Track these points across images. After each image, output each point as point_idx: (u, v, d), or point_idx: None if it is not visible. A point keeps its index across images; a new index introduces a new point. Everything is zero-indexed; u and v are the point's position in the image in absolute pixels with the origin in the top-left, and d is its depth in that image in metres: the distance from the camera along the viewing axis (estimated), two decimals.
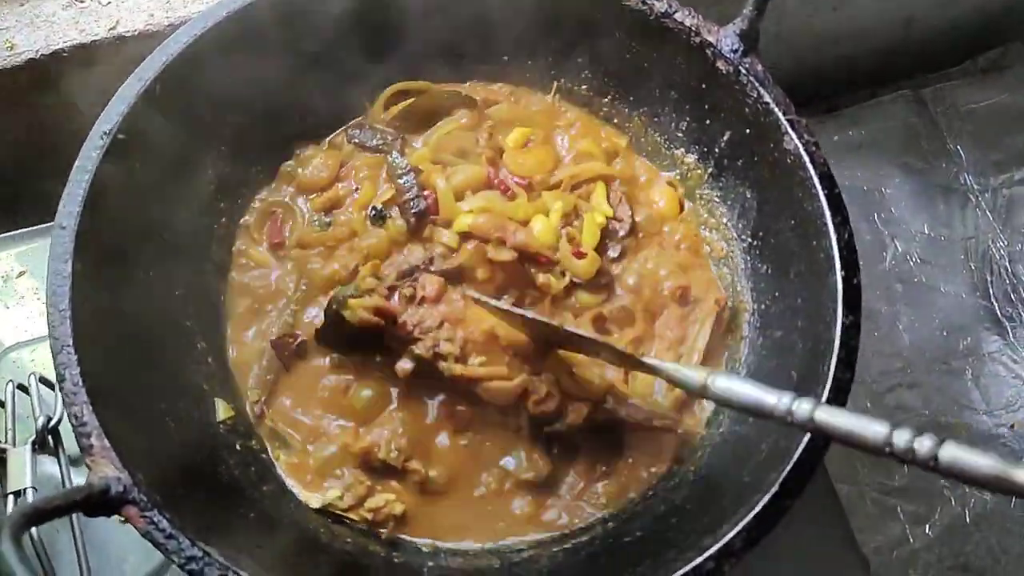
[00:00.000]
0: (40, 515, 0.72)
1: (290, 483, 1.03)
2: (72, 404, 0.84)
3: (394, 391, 1.07)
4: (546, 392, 1.01)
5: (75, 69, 1.34)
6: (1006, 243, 1.52)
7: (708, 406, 1.08)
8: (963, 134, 1.61)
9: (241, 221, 1.17)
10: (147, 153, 1.01)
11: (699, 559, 0.82)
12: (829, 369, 0.90)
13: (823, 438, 0.87)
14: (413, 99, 1.23)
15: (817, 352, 0.94)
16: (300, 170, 1.19)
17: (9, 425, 1.11)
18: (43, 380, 1.14)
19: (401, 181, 1.12)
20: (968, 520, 1.34)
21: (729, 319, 1.12)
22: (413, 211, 1.11)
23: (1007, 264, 1.50)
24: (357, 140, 1.21)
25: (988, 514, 1.34)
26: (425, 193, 1.12)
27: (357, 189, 1.17)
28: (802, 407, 0.76)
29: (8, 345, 1.23)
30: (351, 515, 1.01)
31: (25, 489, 1.05)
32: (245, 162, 1.16)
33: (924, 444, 0.69)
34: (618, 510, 1.02)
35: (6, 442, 1.10)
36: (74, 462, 1.11)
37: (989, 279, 1.50)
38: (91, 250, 0.93)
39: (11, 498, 1.05)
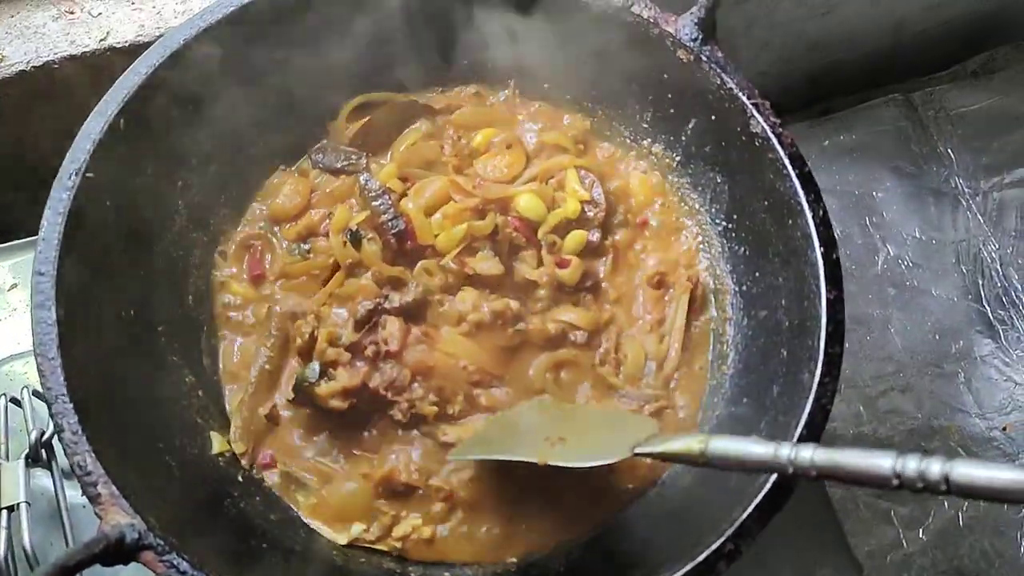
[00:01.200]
0: (65, 572, 0.71)
1: (314, 524, 1.02)
2: (75, 454, 0.83)
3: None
4: None
5: (66, 81, 1.32)
6: (997, 246, 1.54)
7: (698, 382, 1.11)
8: (953, 137, 1.62)
9: (217, 251, 1.15)
10: (117, 189, 0.99)
11: (717, 543, 0.84)
12: (819, 344, 0.92)
13: (822, 413, 0.89)
14: (371, 114, 1.22)
15: (804, 329, 0.96)
16: (271, 200, 1.18)
17: (2, 439, 1.10)
18: (36, 393, 1.13)
19: (376, 204, 1.11)
20: (961, 524, 1.36)
21: (703, 295, 1.14)
22: (392, 232, 1.10)
23: (998, 267, 1.52)
24: (323, 164, 1.20)
25: (982, 517, 1.36)
26: (402, 214, 1.11)
27: (330, 215, 1.16)
28: (801, 454, 0.73)
29: (1, 358, 1.22)
30: (380, 546, 1.00)
31: (19, 504, 1.04)
32: (214, 191, 1.14)
33: (933, 468, 0.65)
34: (627, 503, 1.03)
35: (0, 456, 1.09)
36: (67, 475, 1.11)
37: (981, 282, 1.52)
38: (71, 293, 0.91)
39: (4, 512, 1.04)
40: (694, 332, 1.13)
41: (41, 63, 1.31)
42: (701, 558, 0.83)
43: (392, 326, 1.05)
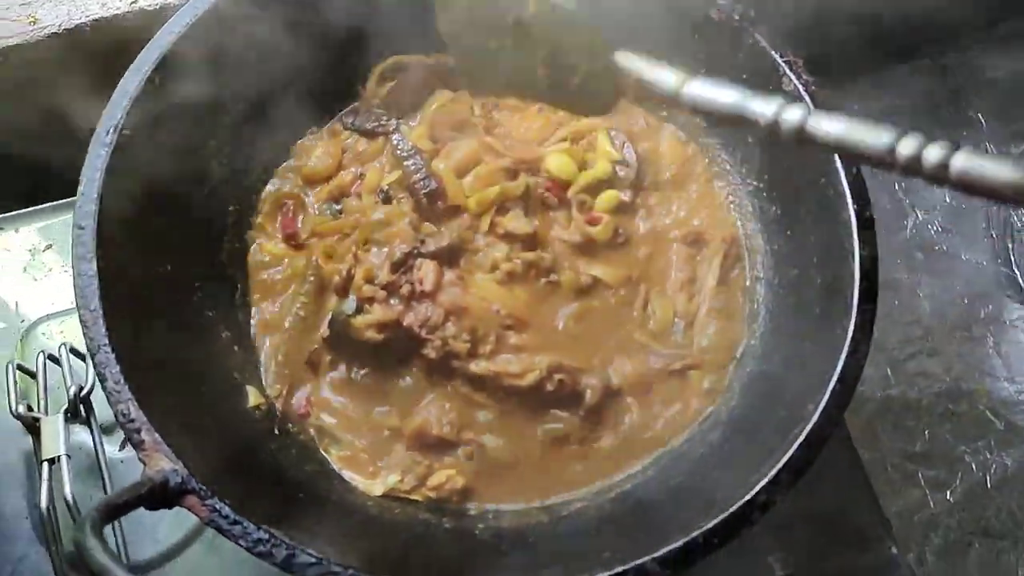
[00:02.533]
0: (113, 510, 0.73)
1: (348, 475, 1.04)
2: (118, 402, 0.84)
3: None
4: (559, 380, 1.03)
5: (96, 43, 1.33)
6: None
7: (728, 340, 1.10)
8: (984, 103, 1.61)
9: (250, 210, 1.16)
10: (153, 146, 1.00)
11: (750, 494, 0.84)
12: (852, 301, 0.93)
13: (856, 364, 0.89)
14: (401, 76, 1.22)
15: (837, 286, 0.96)
16: (302, 162, 1.18)
17: (41, 395, 1.13)
18: (73, 351, 1.15)
19: (408, 164, 1.12)
20: (989, 485, 1.37)
21: (736, 256, 1.13)
22: (424, 192, 1.11)
23: None
24: (354, 126, 1.21)
25: (1009, 479, 1.37)
26: (433, 174, 1.12)
27: (362, 175, 1.17)
28: (792, 114, 0.67)
29: (37, 317, 1.24)
30: (415, 496, 1.02)
31: (59, 456, 1.07)
32: (247, 150, 1.15)
33: (933, 152, 0.60)
34: (657, 457, 1.04)
35: (39, 411, 1.12)
36: (106, 431, 1.14)
37: (1011, 247, 1.52)
38: (110, 247, 0.92)
39: (46, 465, 1.07)
40: (726, 291, 1.13)
41: (73, 25, 1.33)
42: (735, 508, 0.84)
43: (427, 268, 1.06)
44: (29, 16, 1.32)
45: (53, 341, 1.21)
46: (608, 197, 1.14)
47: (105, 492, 1.10)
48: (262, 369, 1.09)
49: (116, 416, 0.84)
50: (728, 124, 0.78)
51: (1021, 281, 1.50)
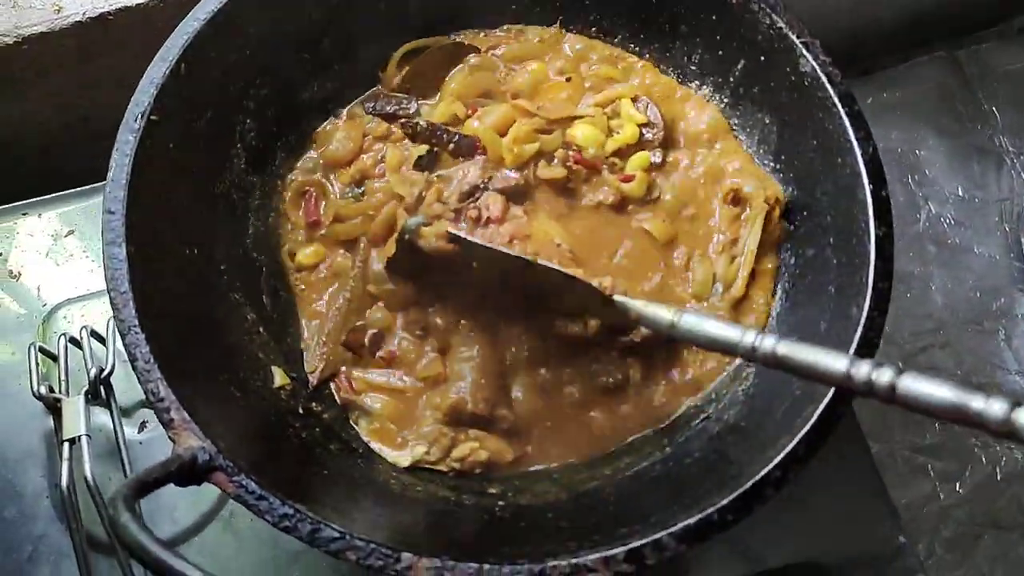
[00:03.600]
0: (143, 486, 0.75)
1: (376, 447, 1.07)
2: (148, 381, 0.87)
3: (465, 329, 1.09)
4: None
5: (121, 31, 1.36)
6: None
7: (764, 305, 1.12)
8: (998, 96, 1.61)
9: (274, 198, 1.18)
10: (179, 132, 1.02)
11: (766, 469, 0.85)
12: (868, 279, 0.93)
13: (870, 342, 0.90)
14: (416, 59, 1.23)
15: (852, 266, 0.97)
16: (324, 147, 1.20)
17: (63, 376, 1.17)
18: (94, 334, 1.20)
19: (436, 139, 1.15)
20: (999, 477, 1.37)
21: (778, 219, 1.12)
22: (466, 151, 1.14)
23: None
24: (374, 111, 1.22)
25: (1019, 471, 1.37)
26: (468, 135, 1.15)
27: (383, 158, 1.18)
28: (765, 343, 0.80)
29: (59, 301, 1.28)
30: (440, 467, 1.05)
31: (80, 436, 1.11)
32: (271, 135, 1.17)
33: (884, 375, 0.72)
34: (674, 433, 1.06)
35: (60, 393, 1.15)
36: (125, 412, 1.19)
37: (1023, 240, 1.51)
38: (139, 231, 0.94)
39: (66, 445, 1.11)
40: (761, 257, 1.12)
41: (97, 14, 1.35)
42: (749, 484, 0.85)
43: (495, 199, 1.10)
44: (53, 4, 1.35)
45: (74, 324, 1.24)
46: (639, 159, 1.16)
47: (124, 473, 1.13)
48: (303, 348, 1.11)
49: (146, 395, 0.87)
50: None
51: None
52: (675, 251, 1.14)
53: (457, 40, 1.26)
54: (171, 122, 1.01)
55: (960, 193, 1.54)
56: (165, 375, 0.87)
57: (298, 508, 0.83)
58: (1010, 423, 0.66)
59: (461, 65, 1.24)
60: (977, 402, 0.67)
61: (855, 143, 0.99)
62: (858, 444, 1.22)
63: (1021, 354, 1.43)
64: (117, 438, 1.16)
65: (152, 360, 0.88)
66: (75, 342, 1.19)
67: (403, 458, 1.05)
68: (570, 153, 1.14)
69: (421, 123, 1.17)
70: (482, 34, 1.27)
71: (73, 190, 1.35)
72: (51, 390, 1.16)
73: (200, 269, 1.05)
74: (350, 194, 1.18)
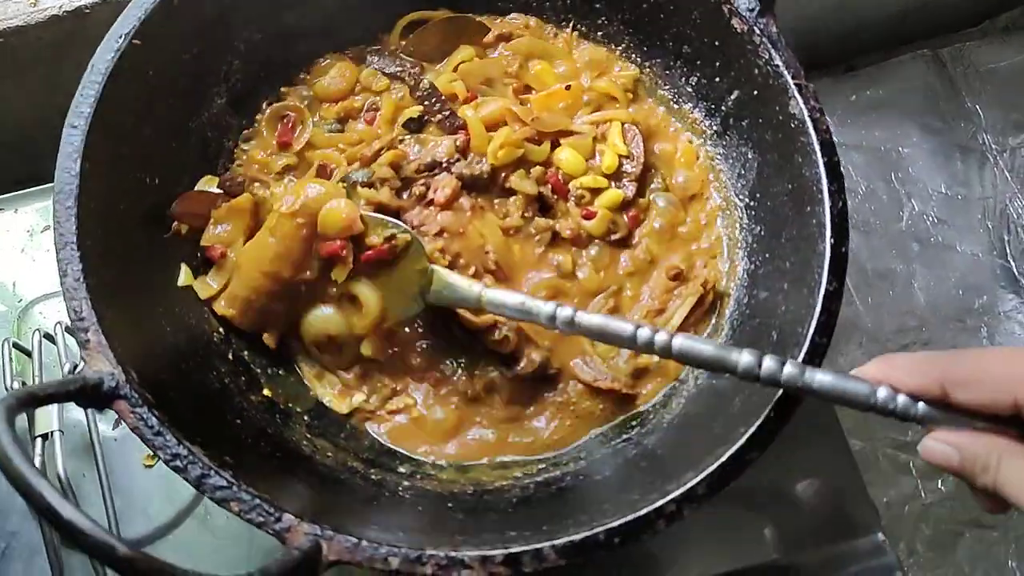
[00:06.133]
0: (34, 399, 0.75)
1: (319, 392, 1.08)
2: (72, 299, 0.87)
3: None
4: (503, 336, 1.05)
5: (97, 25, 1.34)
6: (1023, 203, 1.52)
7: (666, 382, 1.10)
8: (982, 94, 1.60)
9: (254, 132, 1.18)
10: (161, 61, 1.02)
11: (661, 501, 0.85)
12: (808, 332, 0.92)
13: (792, 401, 0.89)
14: (424, 27, 1.23)
15: (798, 316, 0.95)
16: (316, 80, 1.20)
17: (36, 372, 1.16)
18: (68, 330, 1.19)
19: (429, 103, 1.16)
20: None
21: (711, 301, 1.12)
22: (450, 128, 1.15)
23: None
24: (376, 65, 1.22)
25: None
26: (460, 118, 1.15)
27: (375, 106, 1.19)
28: (659, 337, 0.84)
29: (34, 297, 1.28)
30: (379, 415, 1.08)
31: (52, 432, 1.10)
32: (258, 80, 1.17)
33: (660, 338, 0.83)
34: (590, 450, 1.05)
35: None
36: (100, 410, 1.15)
37: (1006, 239, 1.51)
38: (99, 152, 0.94)
39: (39, 441, 1.10)
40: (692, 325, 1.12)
41: (73, 8, 1.35)
42: (662, 502, 0.84)
43: (448, 182, 1.09)
44: None
45: (49, 321, 1.24)
46: (610, 197, 1.15)
47: (98, 470, 1.13)
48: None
49: (68, 312, 0.87)
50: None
51: (1016, 273, 1.49)
52: (594, 299, 1.13)
53: (469, 17, 1.25)
54: (154, 49, 1.01)
55: (943, 191, 1.54)
56: (91, 296, 0.87)
57: (192, 450, 0.83)
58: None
59: (469, 45, 1.24)
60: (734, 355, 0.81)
61: (826, 195, 0.98)
62: (839, 443, 1.22)
63: None
64: (91, 434, 1.15)
65: (81, 278, 0.88)
66: (49, 338, 1.19)
67: (343, 406, 1.07)
68: (548, 173, 1.14)
69: (425, 82, 1.18)
70: (498, 20, 1.26)
71: (49, 185, 1.29)
72: (24, 386, 1.15)
73: (157, 200, 1.04)
74: (328, 128, 1.18)
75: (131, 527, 1.14)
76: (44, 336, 1.18)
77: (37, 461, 1.08)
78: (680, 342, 0.84)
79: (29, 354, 1.17)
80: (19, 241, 1.33)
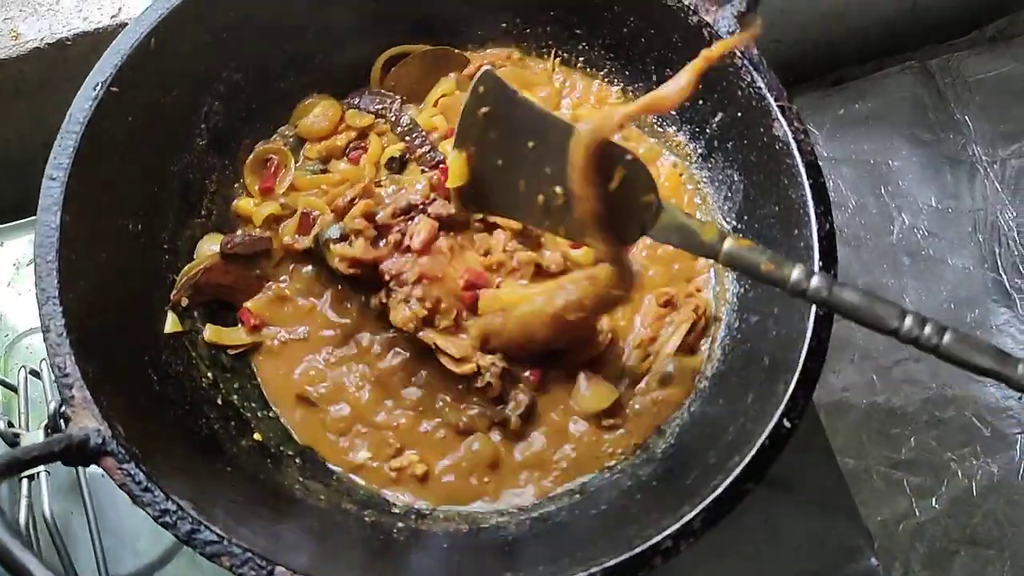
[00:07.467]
0: (19, 464, 0.75)
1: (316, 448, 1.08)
2: (56, 355, 0.86)
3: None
4: (486, 383, 1.04)
5: (79, 57, 1.35)
6: (1015, 215, 1.52)
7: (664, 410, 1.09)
8: (971, 105, 1.59)
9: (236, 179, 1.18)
10: (140, 105, 1.02)
11: (657, 537, 0.84)
12: (800, 357, 0.91)
13: (786, 428, 0.89)
14: (404, 61, 1.22)
15: (790, 340, 0.95)
16: (300, 120, 1.20)
17: (22, 409, 1.13)
18: None
19: (410, 139, 1.16)
20: (975, 493, 1.36)
21: (704, 327, 1.11)
22: (431, 163, 1.14)
23: (1016, 236, 1.50)
24: (358, 107, 1.21)
25: (996, 486, 1.36)
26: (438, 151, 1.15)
27: (363, 147, 1.19)
28: (816, 281, 0.82)
29: (21, 331, 1.26)
30: (378, 471, 1.06)
31: (38, 473, 1.07)
32: (240, 120, 1.16)
33: (928, 330, 0.77)
34: (586, 483, 1.05)
35: (19, 426, 1.12)
36: None
37: (997, 251, 1.50)
38: (80, 202, 0.94)
39: (25, 481, 1.07)
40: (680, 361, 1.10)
41: (55, 40, 1.35)
42: (658, 538, 0.84)
43: (425, 225, 1.07)
44: (11, 31, 1.35)
45: (36, 356, 1.21)
46: None
47: (85, 510, 1.11)
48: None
49: (52, 369, 0.86)
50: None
51: (1008, 286, 1.48)
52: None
53: (448, 49, 1.24)
54: (132, 95, 1.00)
55: (933, 204, 1.54)
56: (75, 351, 0.87)
57: (181, 505, 0.82)
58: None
59: (450, 75, 1.23)
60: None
61: (813, 217, 0.97)
62: (830, 465, 1.21)
63: None
64: (77, 473, 1.13)
65: (64, 334, 0.87)
66: (35, 374, 1.16)
67: (347, 461, 1.06)
68: None
69: (405, 118, 1.18)
70: (478, 51, 1.25)
71: (35, 218, 1.31)
72: (10, 425, 1.11)
73: (141, 246, 1.04)
74: (311, 169, 1.17)
75: (120, 565, 1.12)
76: (30, 373, 1.16)
77: (23, 503, 1.06)
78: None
79: (15, 390, 1.16)
80: (5, 275, 1.31)
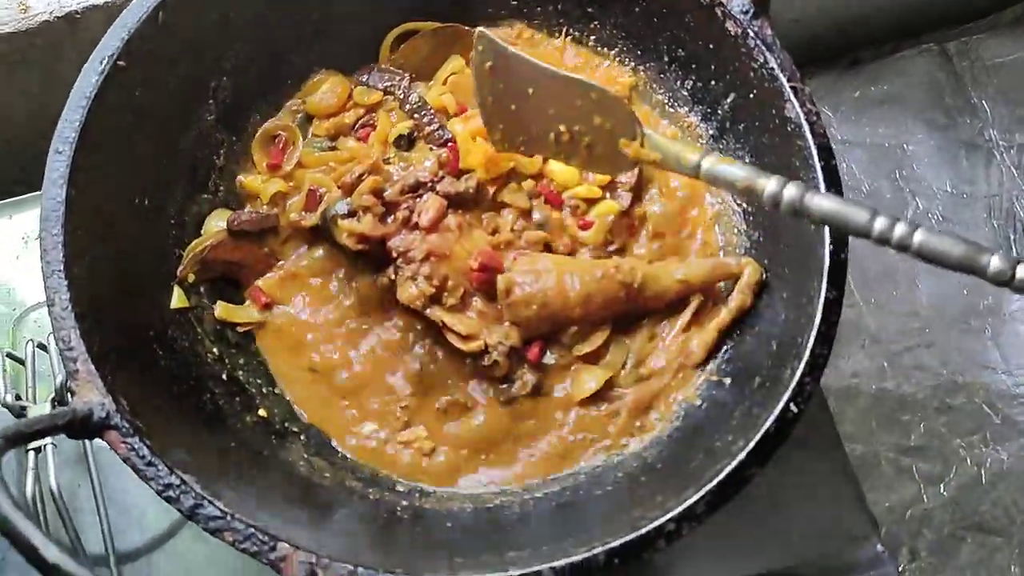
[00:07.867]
0: (23, 436, 0.75)
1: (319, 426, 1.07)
2: (60, 328, 0.86)
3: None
4: (493, 362, 1.04)
5: (89, 29, 1.35)
6: None
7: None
8: (988, 89, 1.58)
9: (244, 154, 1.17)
10: (147, 80, 1.01)
11: (661, 520, 0.84)
12: (808, 341, 0.91)
13: (793, 414, 0.88)
14: (413, 38, 1.22)
15: (798, 324, 0.94)
16: (308, 96, 1.19)
17: (30, 383, 1.13)
18: None
19: (419, 116, 1.15)
20: (984, 480, 1.36)
21: (711, 308, 1.09)
22: (440, 141, 1.14)
23: None
24: (367, 84, 1.21)
25: (1005, 473, 1.36)
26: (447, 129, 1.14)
27: (372, 124, 1.18)
28: (790, 191, 0.83)
29: (29, 305, 1.26)
30: (387, 448, 1.05)
31: (45, 445, 1.08)
32: (249, 96, 1.15)
33: (900, 229, 0.78)
34: (591, 464, 1.04)
35: (27, 399, 1.12)
36: None
37: (1012, 237, 1.49)
38: (86, 176, 0.93)
39: (32, 454, 1.07)
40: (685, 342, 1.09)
41: (64, 13, 1.34)
42: (662, 520, 0.83)
43: (433, 203, 1.07)
44: (20, 3, 1.34)
45: (44, 329, 1.20)
46: (605, 207, 1.13)
47: (92, 482, 1.11)
48: None
49: (57, 343, 0.86)
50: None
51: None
52: None
53: (457, 26, 1.23)
54: (139, 70, 1.00)
55: (948, 188, 1.52)
56: (80, 325, 0.87)
57: (184, 479, 0.82)
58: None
59: (458, 54, 1.22)
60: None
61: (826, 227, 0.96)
62: (837, 451, 1.20)
63: (1008, 352, 1.40)
64: (84, 446, 1.13)
65: (69, 307, 0.87)
66: (43, 347, 1.16)
67: (351, 436, 1.06)
68: (540, 187, 1.13)
69: (414, 96, 1.17)
70: (489, 29, 1.23)
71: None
72: (18, 397, 1.12)
73: (147, 220, 1.04)
74: (318, 146, 1.17)
75: (126, 538, 1.13)
76: (38, 346, 1.16)
77: (30, 476, 1.06)
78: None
79: (23, 363, 1.16)
80: (14, 248, 1.31)
